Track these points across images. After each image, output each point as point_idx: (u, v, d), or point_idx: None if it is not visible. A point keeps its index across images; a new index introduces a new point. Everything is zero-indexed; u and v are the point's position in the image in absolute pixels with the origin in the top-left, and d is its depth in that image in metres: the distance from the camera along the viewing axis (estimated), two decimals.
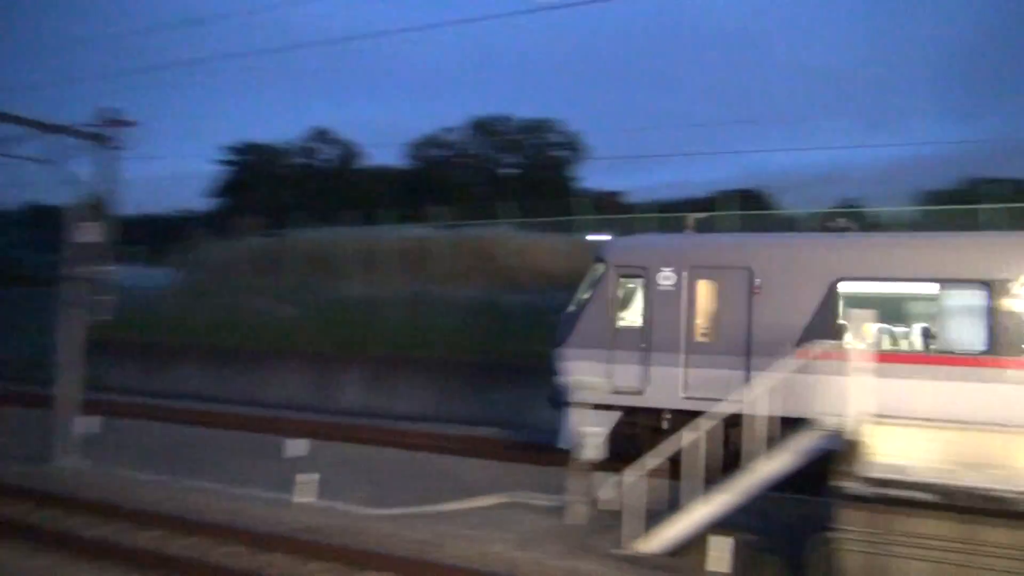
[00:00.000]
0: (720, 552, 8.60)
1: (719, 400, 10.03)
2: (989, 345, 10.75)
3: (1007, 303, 10.74)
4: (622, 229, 23.34)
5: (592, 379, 11.62)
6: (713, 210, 20.48)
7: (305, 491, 10.88)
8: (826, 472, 8.05)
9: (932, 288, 11.37)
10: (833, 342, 10.43)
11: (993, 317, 10.76)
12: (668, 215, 23.05)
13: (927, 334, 11.56)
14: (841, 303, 11.43)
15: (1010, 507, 6.89)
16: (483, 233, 24.69)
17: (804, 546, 8.11)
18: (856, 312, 9.32)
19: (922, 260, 11.45)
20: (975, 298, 10.90)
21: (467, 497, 10.99)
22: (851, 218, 13.66)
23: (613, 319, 12.48)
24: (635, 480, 9.31)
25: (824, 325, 11.20)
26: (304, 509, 10.57)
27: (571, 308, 13.01)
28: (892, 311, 11.82)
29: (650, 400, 12.13)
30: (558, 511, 10.45)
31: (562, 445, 11.56)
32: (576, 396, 11.28)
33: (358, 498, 10.92)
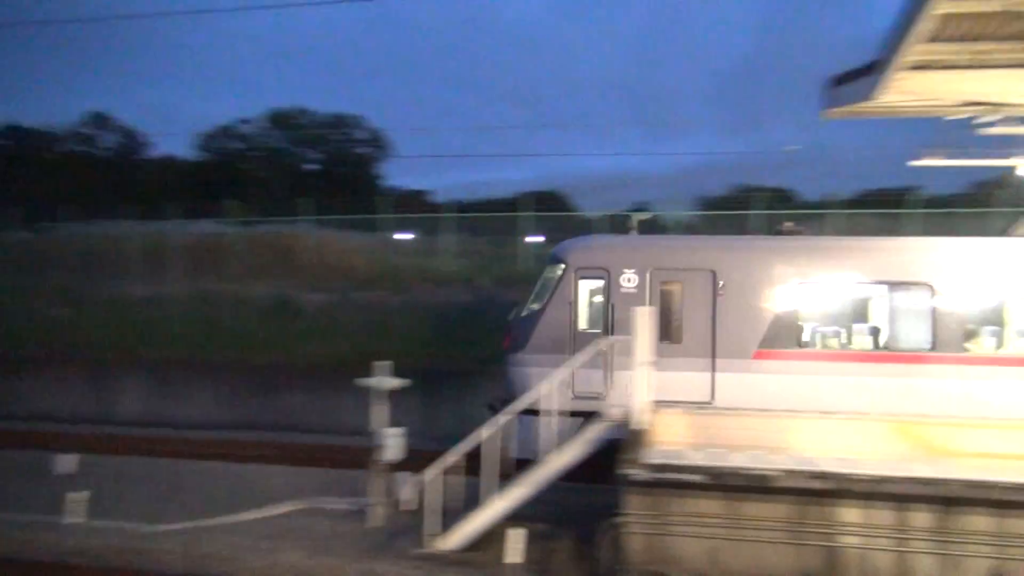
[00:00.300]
0: (515, 544, 8.82)
1: (685, 402, 10.77)
2: (932, 343, 11.42)
3: (946, 303, 11.38)
4: (425, 229, 23.42)
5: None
6: (516, 210, 21.03)
7: (76, 511, 9.86)
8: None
9: (881, 290, 11.85)
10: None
11: (935, 317, 11.42)
12: (472, 215, 23.43)
13: (875, 333, 11.99)
14: (798, 303, 11.76)
15: (770, 483, 7.62)
16: (281, 230, 23.72)
17: (595, 532, 8.50)
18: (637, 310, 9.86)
19: (871, 263, 11.89)
20: (919, 299, 11.51)
21: (260, 506, 10.47)
22: (800, 222, 13.96)
23: (574, 323, 12.19)
24: (435, 478, 9.32)
25: (786, 324, 11.48)
26: (75, 531, 9.58)
27: (525, 312, 12.61)
28: (846, 311, 12.25)
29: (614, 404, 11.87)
30: (358, 514, 10.23)
31: (516, 456, 10.77)
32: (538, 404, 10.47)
33: (138, 515, 10.05)
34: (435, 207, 22.85)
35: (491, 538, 9.12)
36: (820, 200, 23.06)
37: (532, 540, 9.00)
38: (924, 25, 8.40)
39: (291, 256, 22.30)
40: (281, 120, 39.07)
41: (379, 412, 10.24)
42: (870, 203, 23.63)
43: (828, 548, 7.63)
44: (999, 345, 11.45)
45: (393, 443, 10.08)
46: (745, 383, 11.58)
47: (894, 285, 11.60)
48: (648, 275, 12.07)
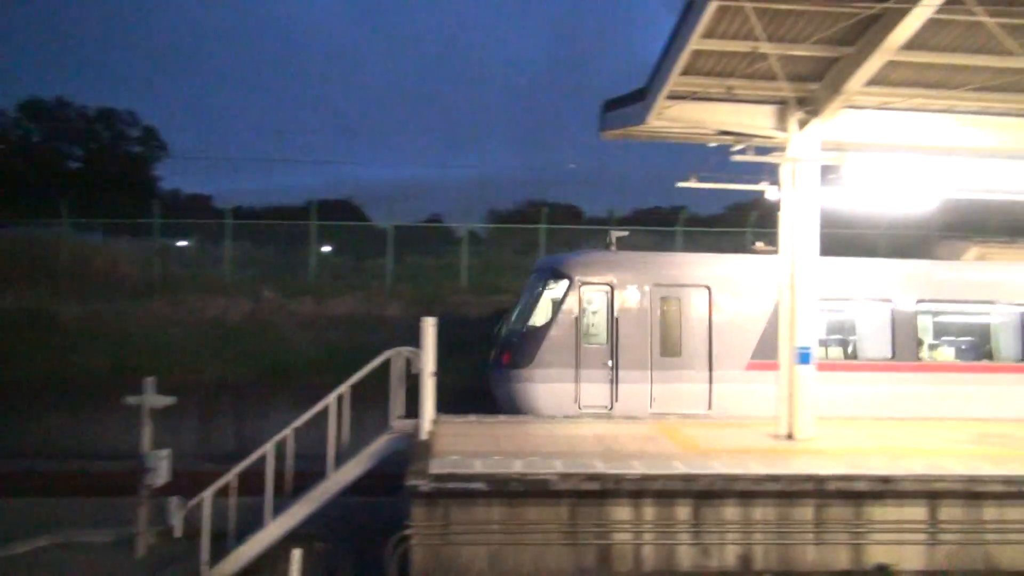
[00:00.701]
0: (296, 565, 8.51)
1: (684, 413, 11.75)
2: (892, 352, 12.91)
3: (903, 316, 13.06)
4: (205, 235, 21.95)
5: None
6: (307, 218, 20.32)
7: None
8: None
9: (852, 305, 13.18)
10: None
11: (894, 329, 12.95)
12: (256, 222, 22.34)
13: (844, 344, 13.17)
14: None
15: (548, 487, 7.92)
16: (34, 233, 21.23)
17: (383, 547, 8.39)
18: None
19: (843, 281, 12.99)
20: (882, 313, 13.08)
21: (5, 543, 9.27)
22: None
23: (579, 336, 12.21)
24: (208, 501, 8.77)
25: (774, 338, 11.40)
26: None
27: (525, 326, 12.70)
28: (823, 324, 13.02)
29: (620, 415, 12.23)
30: (123, 546, 9.35)
31: None
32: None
33: None
34: (217, 213, 21.49)
35: (273, 561, 8.73)
36: (603, 216, 24.41)
37: (318, 559, 8.73)
38: (681, 59, 9.19)
39: (46, 263, 20.04)
40: (35, 111, 34.97)
41: (146, 432, 9.46)
42: (645, 220, 25.38)
43: (602, 545, 8.07)
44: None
45: (160, 465, 9.33)
46: (739, 393, 12.45)
47: (864, 300, 13.17)
48: (649, 290, 12.68)
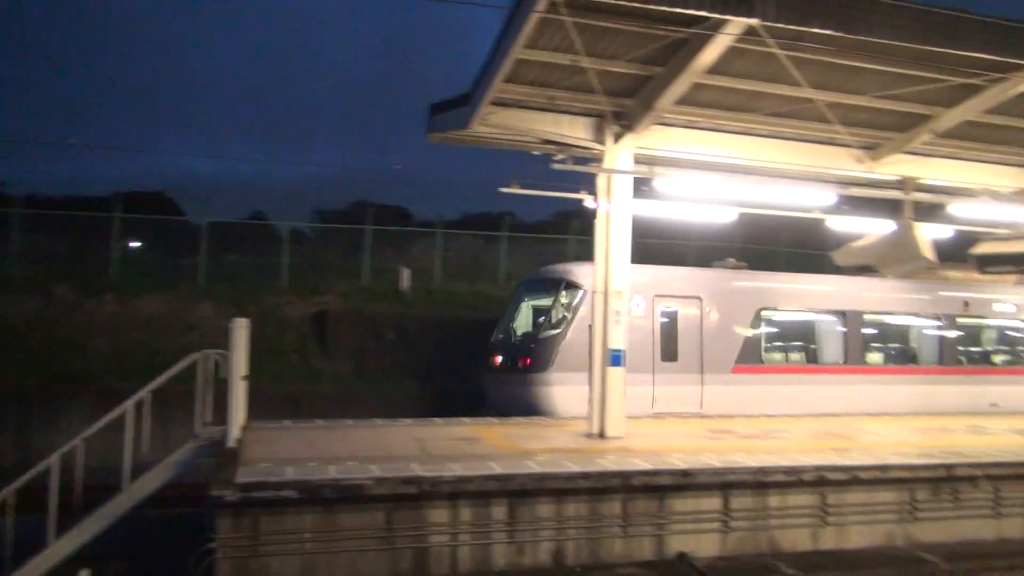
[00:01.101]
0: None
1: (680, 412, 13.14)
2: (844, 358, 14.93)
3: (854, 326, 15.13)
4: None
5: None
6: (110, 210, 18.71)
7: None
8: None
9: (812, 316, 15.23)
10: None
11: (851, 336, 15.06)
12: (56, 212, 20.29)
13: (807, 350, 15.11)
14: (762, 326, 14.46)
15: (363, 492, 7.76)
16: None
17: (187, 562, 7.86)
18: None
19: (805, 295, 14.98)
20: (839, 323, 15.11)
21: None
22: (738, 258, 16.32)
23: (591, 342, 11.91)
24: None
25: (755, 344, 13.67)
26: None
27: (545, 333, 13.41)
28: (792, 333, 15.27)
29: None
30: None
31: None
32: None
33: None
34: (4, 200, 19.33)
35: None
36: (432, 219, 24.41)
37: None
38: (504, 67, 9.37)
39: None
40: None
41: None
42: (472, 225, 25.67)
43: (418, 548, 8.01)
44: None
45: None
46: (726, 393, 13.75)
47: (821, 312, 15.29)
48: (651, 300, 13.62)
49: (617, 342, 10.79)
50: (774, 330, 15.14)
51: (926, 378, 15.52)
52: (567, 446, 10.08)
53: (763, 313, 14.59)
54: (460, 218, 28.25)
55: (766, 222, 14.92)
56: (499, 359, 14.04)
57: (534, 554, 8.33)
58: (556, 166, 11.01)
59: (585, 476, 8.43)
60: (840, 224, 12.85)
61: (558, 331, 13.35)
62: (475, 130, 10.66)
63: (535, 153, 11.69)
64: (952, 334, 16.20)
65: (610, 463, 8.93)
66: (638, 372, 12.95)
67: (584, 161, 11.34)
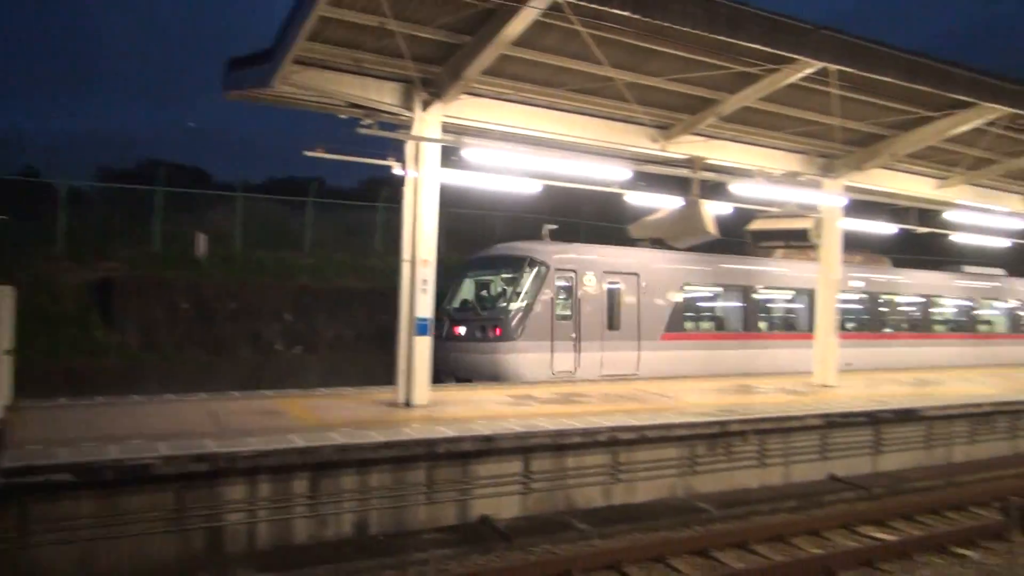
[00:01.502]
0: None
1: (621, 375, 15.20)
2: (744, 326, 17.79)
3: (752, 299, 18.14)
4: None
5: None
6: None
7: None
8: None
9: (719, 290, 17.86)
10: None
11: (746, 308, 17.91)
12: None
13: (716, 319, 17.77)
14: (684, 300, 16.74)
15: (150, 472, 7.25)
16: None
17: None
18: None
19: (715, 273, 17.61)
20: (738, 297, 17.92)
21: None
22: None
23: (553, 312, 14.60)
24: None
25: (679, 314, 16.40)
26: None
27: (513, 305, 14.69)
28: (707, 305, 17.90)
29: (579, 379, 14.77)
30: None
31: None
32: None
33: None
34: None
35: None
36: (233, 183, 23.02)
37: None
38: (307, 24, 8.96)
39: None
40: None
41: None
42: (278, 189, 24.55)
43: (212, 528, 7.64)
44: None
45: None
46: (657, 358, 15.81)
47: (728, 288, 17.84)
48: (600, 276, 15.42)
49: (424, 311, 10.80)
50: (693, 303, 17.41)
51: (798, 343, 17.90)
52: (373, 416, 10.00)
53: (685, 288, 16.95)
54: (264, 182, 26.94)
55: (570, 194, 15.48)
56: (462, 329, 15.19)
57: (337, 526, 8.23)
58: (362, 131, 10.72)
59: (389, 445, 8.42)
60: (636, 199, 13.59)
61: (525, 304, 14.75)
62: (278, 89, 10.13)
63: (342, 117, 11.34)
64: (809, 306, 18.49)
65: (415, 432, 8.97)
66: (591, 340, 15.15)
67: (392, 127, 11.15)
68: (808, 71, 10.61)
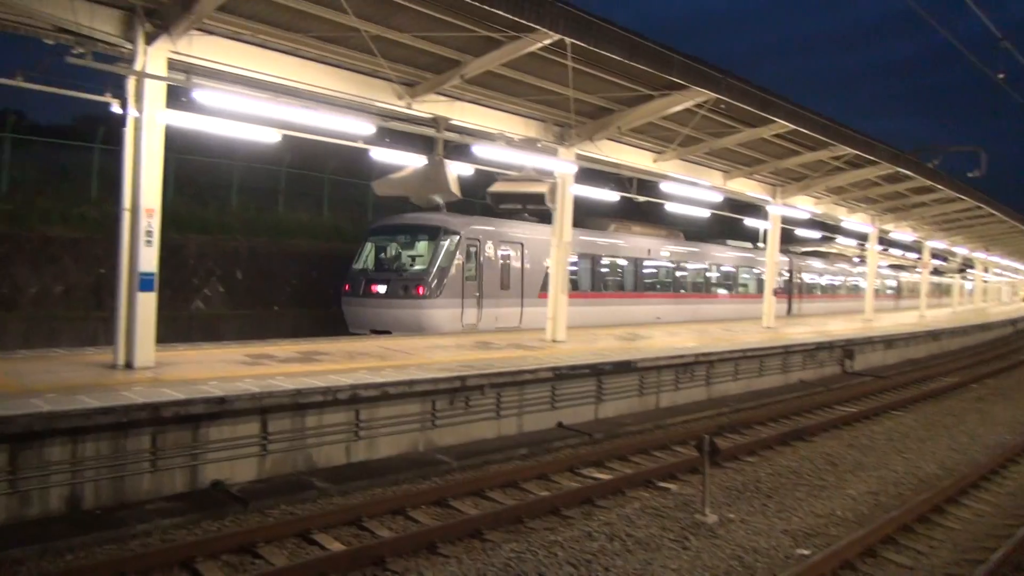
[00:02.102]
0: None
1: (507, 327, 18.24)
2: (592, 287, 21.70)
3: (599, 265, 22.16)
4: None
5: None
6: None
7: None
8: None
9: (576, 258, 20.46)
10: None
11: (594, 272, 21.81)
12: None
13: (579, 281, 20.96)
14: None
15: None
16: None
17: None
18: None
19: (577, 243, 19.47)
20: (589, 263, 21.60)
21: None
22: None
23: (464, 275, 17.43)
24: None
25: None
26: None
27: (433, 268, 17.20)
28: (575, 269, 20.49)
29: (481, 330, 17.82)
30: None
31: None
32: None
33: None
34: None
35: None
36: None
37: None
38: None
39: None
40: None
41: None
42: None
43: None
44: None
45: None
46: (535, 313, 18.25)
47: (583, 256, 21.10)
48: (495, 244, 18.16)
49: (148, 265, 9.90)
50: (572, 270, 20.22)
51: (629, 300, 22.97)
52: (87, 380, 9.03)
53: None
54: None
55: (315, 146, 14.98)
56: (382, 288, 17.40)
57: (43, 503, 7.39)
58: (72, 60, 9.48)
59: (106, 411, 7.67)
60: (381, 156, 13.47)
61: (443, 267, 17.27)
62: None
63: (48, 43, 9.94)
64: (641, 271, 23.77)
65: (137, 395, 8.25)
66: (490, 298, 18.20)
67: (110, 60, 9.97)
68: (547, 41, 11.08)
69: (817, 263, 37.15)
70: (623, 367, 13.76)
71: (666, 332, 19.96)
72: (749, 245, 31.23)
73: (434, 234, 17.78)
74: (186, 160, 20.13)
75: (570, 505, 8.74)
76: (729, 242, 30.51)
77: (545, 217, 18.11)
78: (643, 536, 7.71)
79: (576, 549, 7.28)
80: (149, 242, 9.92)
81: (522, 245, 19.19)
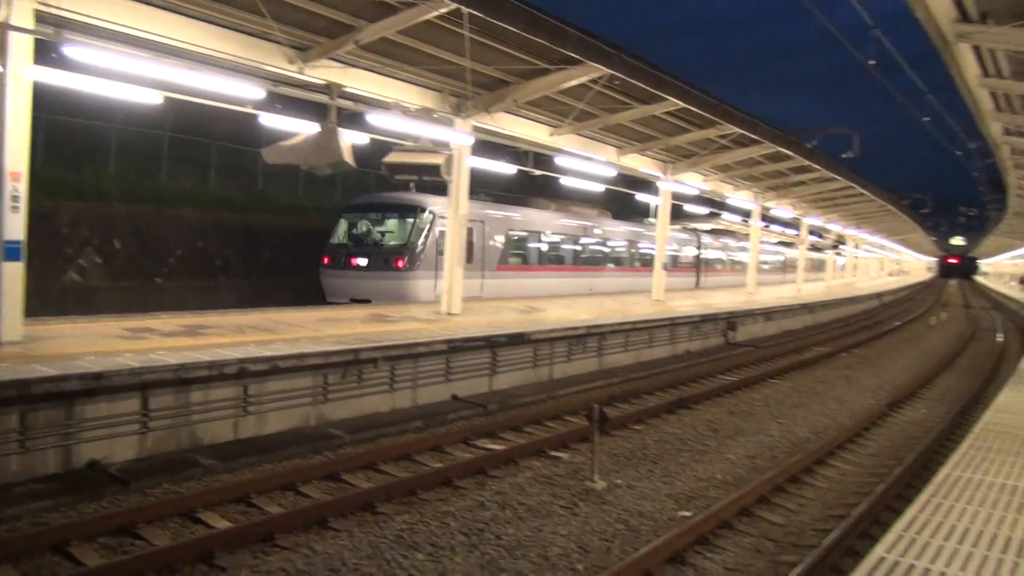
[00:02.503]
0: None
1: (468, 296, 18.46)
2: (539, 261, 24.17)
3: (543, 242, 24.51)
4: None
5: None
6: None
7: None
8: None
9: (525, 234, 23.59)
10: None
11: (539, 248, 24.24)
12: None
13: (528, 256, 23.77)
14: (512, 241, 22.55)
15: None
16: None
17: None
18: None
19: (525, 221, 23.64)
20: (536, 240, 24.15)
21: None
22: None
23: (437, 249, 18.83)
24: None
25: (506, 252, 22.10)
26: None
27: (411, 243, 19.09)
28: (528, 245, 23.74)
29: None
30: None
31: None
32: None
33: None
34: None
35: None
36: None
37: None
38: None
39: None
40: None
41: None
42: None
43: None
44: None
45: None
46: (494, 283, 21.06)
47: (531, 233, 23.75)
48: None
49: (15, 232, 9.24)
50: (515, 243, 22.80)
51: (571, 274, 25.37)
52: None
53: (510, 233, 22.30)
54: None
55: (200, 111, 14.31)
56: (362, 260, 19.09)
57: None
58: None
59: None
60: (272, 122, 13.00)
61: (421, 241, 18.98)
62: None
63: None
64: (578, 247, 26.01)
65: (3, 372, 7.73)
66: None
67: None
68: (443, 10, 10.93)
69: (723, 239, 38.97)
70: (517, 339, 13.92)
71: (562, 305, 20.30)
72: (654, 221, 32.14)
73: (413, 212, 19.42)
74: (59, 121, 18.82)
75: (463, 476, 8.82)
76: (646, 219, 32.39)
77: (500, 199, 22.28)
78: (534, 504, 7.89)
79: (468, 518, 7.37)
80: (16, 208, 9.25)
81: (483, 223, 20.95)
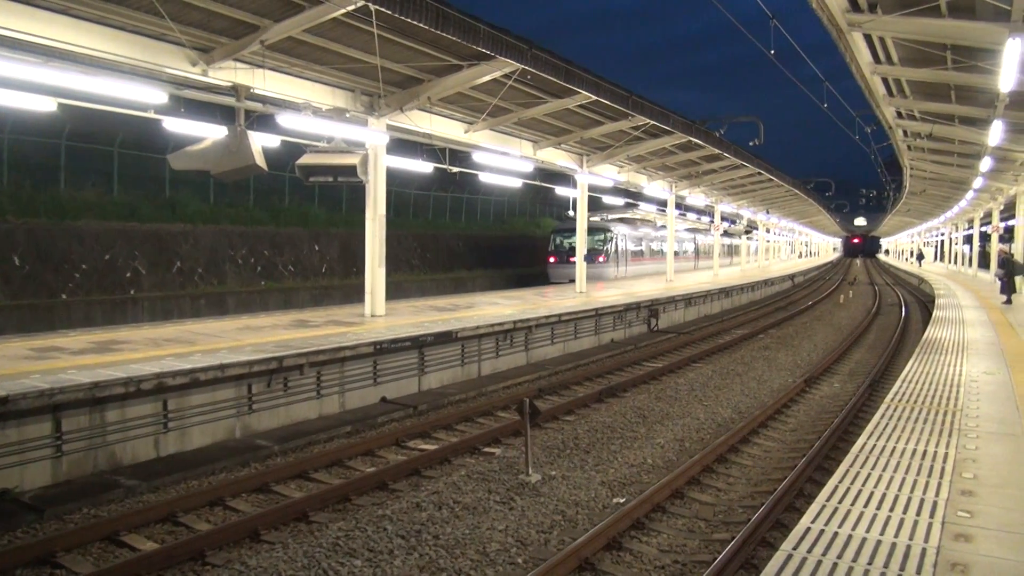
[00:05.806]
0: None
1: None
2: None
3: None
4: None
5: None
6: None
7: None
8: None
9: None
10: None
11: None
12: None
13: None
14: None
15: None
16: None
17: None
18: None
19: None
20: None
21: None
22: None
23: (617, 252, 33.43)
24: None
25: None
26: None
27: (556, 247, 33.71)
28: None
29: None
30: None
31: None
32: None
33: None
34: None
35: None
36: None
37: None
38: None
39: None
40: None
41: None
42: None
43: None
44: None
45: None
46: (644, 268, 39.01)
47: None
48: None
49: None
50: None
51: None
52: None
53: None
54: None
55: (100, 118, 13.69)
56: (574, 258, 26.59)
57: None
58: None
59: None
60: (176, 127, 12.55)
61: (608, 248, 33.28)
62: None
63: None
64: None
65: None
66: (623, 264, 35.47)
67: None
68: (350, 7, 10.74)
69: (643, 229, 40.46)
70: (444, 338, 13.86)
71: (487, 301, 20.30)
72: (573, 215, 34.65)
73: (601, 230, 34.20)
74: None
75: (397, 478, 8.74)
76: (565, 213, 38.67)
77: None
78: (470, 501, 7.87)
79: (405, 521, 7.30)
80: None
81: (637, 229, 37.18)
